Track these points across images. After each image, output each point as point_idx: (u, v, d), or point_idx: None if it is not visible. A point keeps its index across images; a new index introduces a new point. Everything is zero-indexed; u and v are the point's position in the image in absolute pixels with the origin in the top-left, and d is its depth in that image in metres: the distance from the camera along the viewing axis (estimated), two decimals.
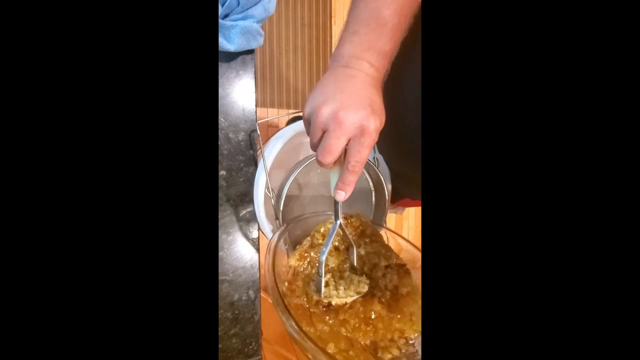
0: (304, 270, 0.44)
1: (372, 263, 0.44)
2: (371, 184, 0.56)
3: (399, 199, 0.60)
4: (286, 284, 0.42)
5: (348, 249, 0.45)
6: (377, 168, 0.52)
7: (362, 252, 0.45)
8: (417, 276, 0.43)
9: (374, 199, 0.56)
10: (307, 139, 0.61)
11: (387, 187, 0.55)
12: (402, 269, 0.44)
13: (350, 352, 0.36)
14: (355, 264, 0.42)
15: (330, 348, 0.35)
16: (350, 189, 0.35)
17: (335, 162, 0.35)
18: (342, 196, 0.35)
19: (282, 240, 0.44)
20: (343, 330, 0.38)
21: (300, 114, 0.37)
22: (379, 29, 0.32)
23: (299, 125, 0.52)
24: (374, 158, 0.53)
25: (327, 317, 0.39)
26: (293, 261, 0.44)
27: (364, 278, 0.41)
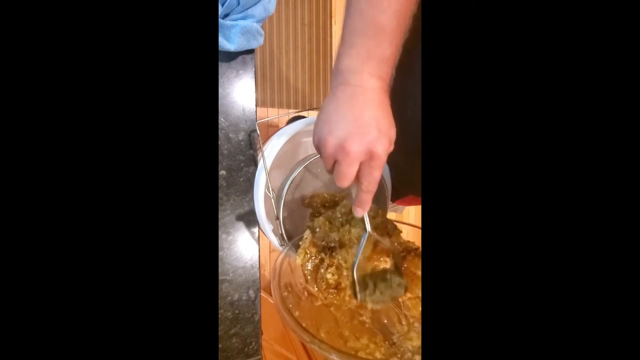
0: (311, 269, 0.45)
1: (397, 252, 0.46)
2: None
3: (401, 196, 0.60)
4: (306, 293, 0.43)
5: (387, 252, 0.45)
6: None
7: (388, 243, 0.46)
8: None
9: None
10: (307, 139, 0.61)
11: (387, 186, 0.54)
12: (417, 252, 0.45)
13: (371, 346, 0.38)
14: (398, 265, 0.43)
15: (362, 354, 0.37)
16: (367, 206, 0.37)
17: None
18: (360, 213, 0.37)
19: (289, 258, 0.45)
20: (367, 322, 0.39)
21: (300, 113, 0.37)
22: (377, 37, 0.31)
23: (299, 124, 0.52)
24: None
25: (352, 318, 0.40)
26: (299, 260, 0.45)
27: (404, 280, 0.42)
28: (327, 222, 0.47)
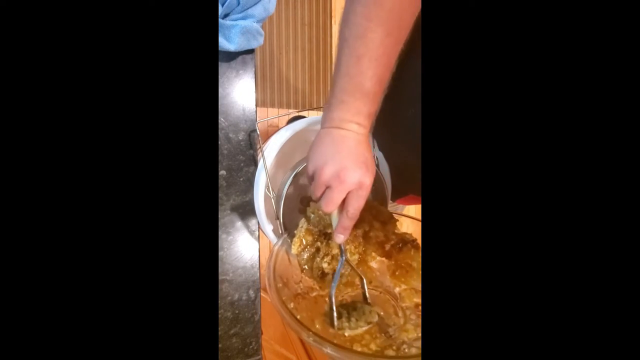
0: (307, 258, 0.45)
1: (387, 239, 0.48)
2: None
3: (401, 195, 0.60)
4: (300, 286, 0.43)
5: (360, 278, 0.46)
6: (377, 166, 0.52)
7: (380, 235, 0.47)
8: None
9: (372, 197, 0.56)
10: (307, 139, 0.61)
11: (387, 186, 0.54)
12: (414, 244, 0.46)
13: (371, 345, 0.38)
14: (367, 295, 0.45)
15: (357, 347, 0.37)
16: (348, 233, 0.41)
17: None
18: (341, 239, 0.41)
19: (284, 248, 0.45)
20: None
21: (300, 113, 0.38)
22: (363, 99, 0.38)
23: (299, 125, 0.52)
24: (373, 156, 0.53)
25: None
26: (294, 250, 0.46)
27: (375, 308, 0.44)
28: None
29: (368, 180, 0.38)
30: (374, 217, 0.48)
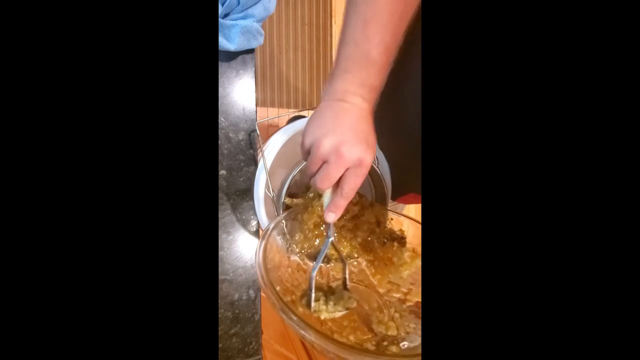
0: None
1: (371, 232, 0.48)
2: (370, 182, 0.56)
3: (402, 194, 0.60)
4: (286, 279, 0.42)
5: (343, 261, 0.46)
6: (377, 166, 0.52)
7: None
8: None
9: (373, 197, 0.56)
10: None
11: (387, 185, 0.54)
12: (401, 241, 0.46)
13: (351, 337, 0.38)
14: (347, 279, 0.44)
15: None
16: (340, 212, 0.38)
17: None
18: (332, 218, 0.39)
19: (276, 231, 0.45)
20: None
21: (300, 113, 0.38)
22: (368, 68, 0.35)
23: (299, 124, 0.52)
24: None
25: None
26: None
27: (354, 294, 0.43)
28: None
29: (369, 158, 0.35)
30: (370, 214, 0.48)
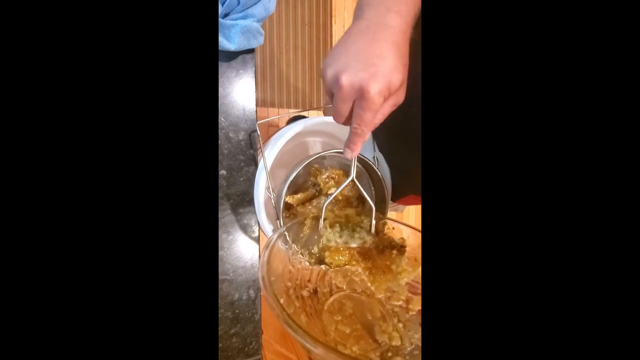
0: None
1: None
2: (370, 183, 0.56)
3: (402, 196, 0.60)
4: (289, 283, 0.42)
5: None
6: (377, 167, 0.52)
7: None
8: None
9: (373, 198, 0.56)
10: (308, 139, 0.61)
11: (387, 186, 0.54)
12: (401, 249, 0.46)
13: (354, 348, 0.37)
14: (373, 224, 0.43)
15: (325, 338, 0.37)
16: (356, 148, 0.35)
17: None
18: (349, 154, 0.36)
19: (280, 241, 0.44)
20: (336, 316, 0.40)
21: (301, 113, 0.37)
22: None
23: (299, 124, 0.52)
24: (373, 157, 0.53)
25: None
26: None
27: (371, 235, 0.42)
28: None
29: (374, 87, 0.29)
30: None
